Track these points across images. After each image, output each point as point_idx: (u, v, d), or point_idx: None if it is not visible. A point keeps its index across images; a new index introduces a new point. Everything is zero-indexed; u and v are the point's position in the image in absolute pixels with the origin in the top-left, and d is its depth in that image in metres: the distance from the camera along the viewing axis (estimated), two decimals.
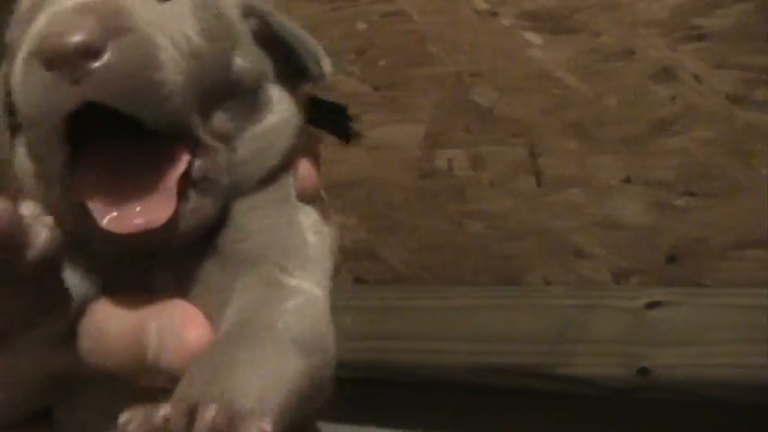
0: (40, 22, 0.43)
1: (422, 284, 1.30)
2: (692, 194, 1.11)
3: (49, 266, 0.44)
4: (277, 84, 0.53)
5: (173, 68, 0.44)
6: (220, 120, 0.49)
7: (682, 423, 1.12)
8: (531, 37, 1.14)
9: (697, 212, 1.12)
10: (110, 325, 0.48)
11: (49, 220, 0.43)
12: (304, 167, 0.54)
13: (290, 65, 0.53)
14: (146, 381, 0.47)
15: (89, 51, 0.41)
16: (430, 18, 1.19)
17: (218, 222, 0.50)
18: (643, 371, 1.08)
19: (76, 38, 0.40)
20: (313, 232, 0.53)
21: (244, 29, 0.52)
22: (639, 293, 1.15)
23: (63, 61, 0.41)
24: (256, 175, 0.51)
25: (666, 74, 1.08)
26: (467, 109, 1.20)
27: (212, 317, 0.48)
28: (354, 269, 1.34)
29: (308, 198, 0.54)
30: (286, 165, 0.53)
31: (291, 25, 0.53)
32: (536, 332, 1.18)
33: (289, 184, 0.53)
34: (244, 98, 0.51)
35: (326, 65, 0.53)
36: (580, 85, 1.13)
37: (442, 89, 1.21)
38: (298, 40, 0.52)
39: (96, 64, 0.41)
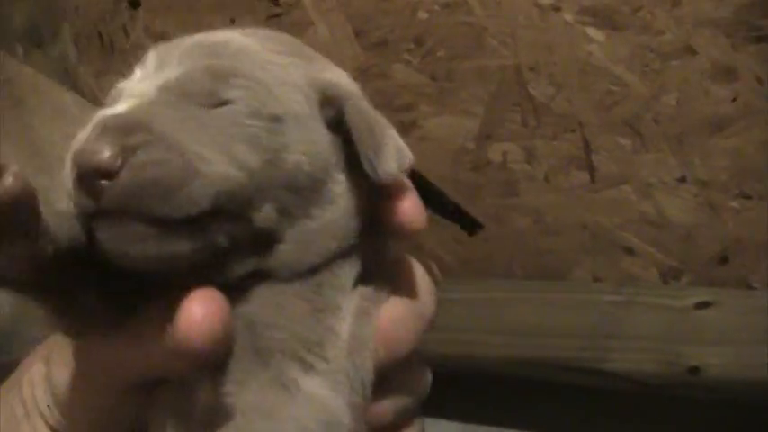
0: (86, 130, 0.47)
1: (461, 277, 1.31)
2: (745, 196, 1.12)
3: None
4: (348, 173, 0.52)
5: (196, 177, 0.45)
6: (266, 212, 0.49)
7: (725, 424, 1.12)
8: (592, 33, 1.15)
9: (749, 214, 1.12)
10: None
11: (15, 168, 0.45)
12: (410, 201, 0.54)
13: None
14: (177, 368, 0.49)
15: (105, 173, 0.45)
16: (491, 10, 1.19)
17: (253, 302, 0.50)
18: (694, 370, 1.08)
19: (94, 160, 0.45)
20: (353, 319, 0.52)
21: (313, 121, 0.51)
22: (688, 293, 1.16)
23: (83, 179, 0.45)
24: (294, 268, 0.51)
25: (727, 74, 1.09)
26: (523, 103, 1.21)
27: (235, 383, 0.49)
28: None
29: (407, 236, 0.54)
30: (341, 253, 0.52)
31: (365, 118, 0.51)
32: (578, 327, 1.18)
33: (338, 266, 0.52)
34: (299, 192, 0.50)
35: (383, 170, 0.51)
36: (638, 82, 1.14)
37: (499, 82, 1.21)
38: (361, 135, 0.51)
39: (109, 183, 0.45)
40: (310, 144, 0.50)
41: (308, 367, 0.49)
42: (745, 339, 1.09)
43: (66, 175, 0.47)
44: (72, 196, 0.46)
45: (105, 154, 0.45)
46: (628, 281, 1.20)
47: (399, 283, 0.56)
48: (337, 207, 0.51)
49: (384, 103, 1.30)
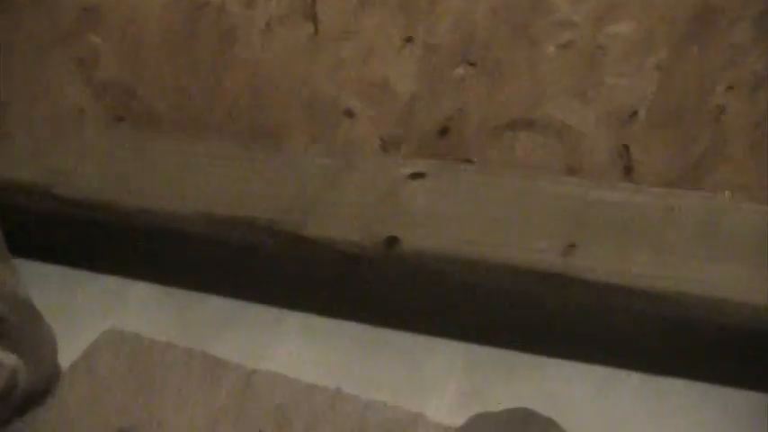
0: None
1: (171, 128, 1.20)
2: (471, 64, 1.05)
3: None
4: None
5: None
6: None
7: (423, 297, 1.07)
8: None
9: (473, 83, 1.06)
10: None
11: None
12: None
13: None
14: None
15: None
16: None
17: None
18: (392, 240, 1.02)
19: None
20: None
21: None
22: (405, 163, 1.10)
23: None
24: None
25: None
26: None
27: None
28: (112, 106, 1.23)
29: None
30: None
31: None
32: (284, 190, 1.10)
33: None
34: None
35: None
36: None
37: None
38: None
39: None
40: None
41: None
42: (452, 215, 1.04)
43: None
44: None
45: None
46: (345, 146, 1.12)
47: None
48: None
49: None
